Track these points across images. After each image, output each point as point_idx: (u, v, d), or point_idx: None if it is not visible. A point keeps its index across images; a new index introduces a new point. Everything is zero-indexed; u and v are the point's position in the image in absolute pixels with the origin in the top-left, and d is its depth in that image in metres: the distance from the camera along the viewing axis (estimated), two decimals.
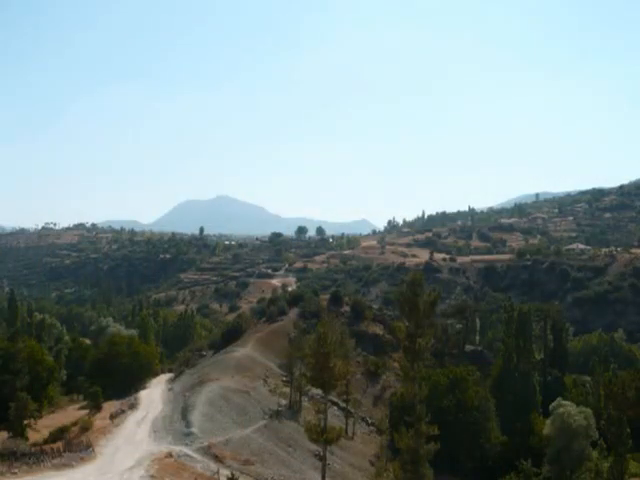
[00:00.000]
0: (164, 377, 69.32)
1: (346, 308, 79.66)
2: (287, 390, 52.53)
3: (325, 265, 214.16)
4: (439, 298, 39.64)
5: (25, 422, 43.96)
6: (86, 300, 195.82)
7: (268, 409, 47.41)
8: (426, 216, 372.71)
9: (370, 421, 57.11)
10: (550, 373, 65.65)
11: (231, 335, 74.87)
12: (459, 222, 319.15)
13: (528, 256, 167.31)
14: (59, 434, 41.17)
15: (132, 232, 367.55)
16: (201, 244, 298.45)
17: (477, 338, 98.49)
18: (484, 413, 49.98)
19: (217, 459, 34.83)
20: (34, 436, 43.44)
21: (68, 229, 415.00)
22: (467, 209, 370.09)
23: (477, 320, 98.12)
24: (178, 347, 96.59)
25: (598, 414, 47.40)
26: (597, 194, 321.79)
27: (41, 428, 46.55)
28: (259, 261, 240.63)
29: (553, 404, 47.84)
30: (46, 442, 39.16)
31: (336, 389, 45.05)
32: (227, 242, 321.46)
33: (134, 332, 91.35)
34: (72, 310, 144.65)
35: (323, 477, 33.44)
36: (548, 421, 47.09)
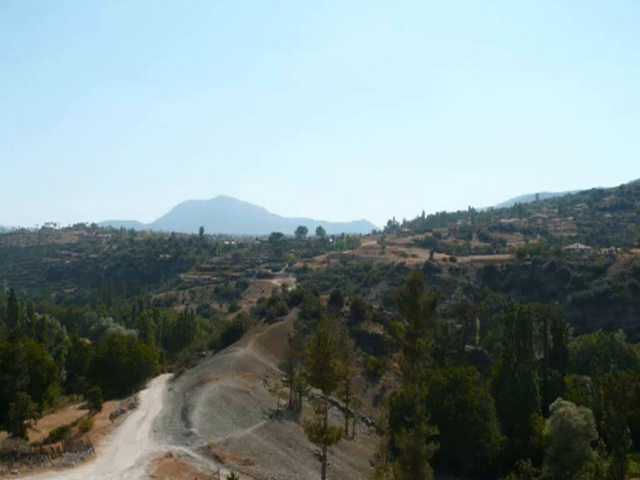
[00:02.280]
0: (164, 377, 69.33)
1: (346, 308, 79.65)
2: (287, 390, 52.46)
3: (325, 265, 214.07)
4: (439, 298, 39.62)
5: (25, 422, 44.02)
6: (86, 300, 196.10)
7: (268, 409, 47.40)
8: (426, 216, 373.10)
9: (370, 421, 57.03)
10: (550, 373, 65.63)
11: (231, 335, 74.99)
12: (459, 222, 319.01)
13: (528, 256, 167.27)
14: (59, 434, 41.19)
15: (132, 232, 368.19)
16: (201, 244, 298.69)
17: (477, 338, 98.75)
18: (484, 413, 49.94)
19: (217, 459, 34.83)
20: (34, 436, 43.47)
21: (68, 229, 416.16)
22: (467, 209, 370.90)
23: (477, 320, 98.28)
24: (178, 347, 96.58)
25: (598, 414, 47.47)
26: (597, 194, 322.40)
27: (41, 428, 46.61)
28: (259, 261, 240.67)
29: (553, 404, 47.92)
30: (46, 442, 39.16)
31: (336, 389, 45.06)
32: (227, 242, 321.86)
33: (134, 332, 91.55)
34: (72, 310, 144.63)
35: (323, 477, 33.43)
36: (548, 421, 47.16)
